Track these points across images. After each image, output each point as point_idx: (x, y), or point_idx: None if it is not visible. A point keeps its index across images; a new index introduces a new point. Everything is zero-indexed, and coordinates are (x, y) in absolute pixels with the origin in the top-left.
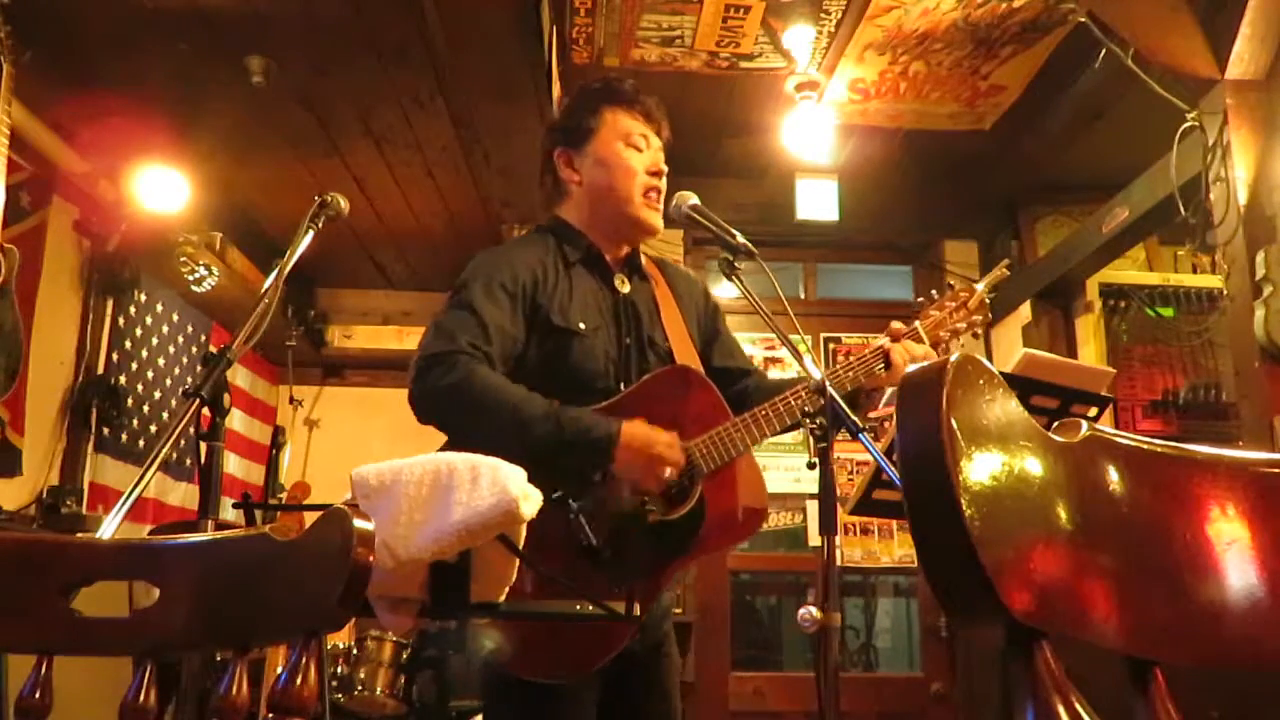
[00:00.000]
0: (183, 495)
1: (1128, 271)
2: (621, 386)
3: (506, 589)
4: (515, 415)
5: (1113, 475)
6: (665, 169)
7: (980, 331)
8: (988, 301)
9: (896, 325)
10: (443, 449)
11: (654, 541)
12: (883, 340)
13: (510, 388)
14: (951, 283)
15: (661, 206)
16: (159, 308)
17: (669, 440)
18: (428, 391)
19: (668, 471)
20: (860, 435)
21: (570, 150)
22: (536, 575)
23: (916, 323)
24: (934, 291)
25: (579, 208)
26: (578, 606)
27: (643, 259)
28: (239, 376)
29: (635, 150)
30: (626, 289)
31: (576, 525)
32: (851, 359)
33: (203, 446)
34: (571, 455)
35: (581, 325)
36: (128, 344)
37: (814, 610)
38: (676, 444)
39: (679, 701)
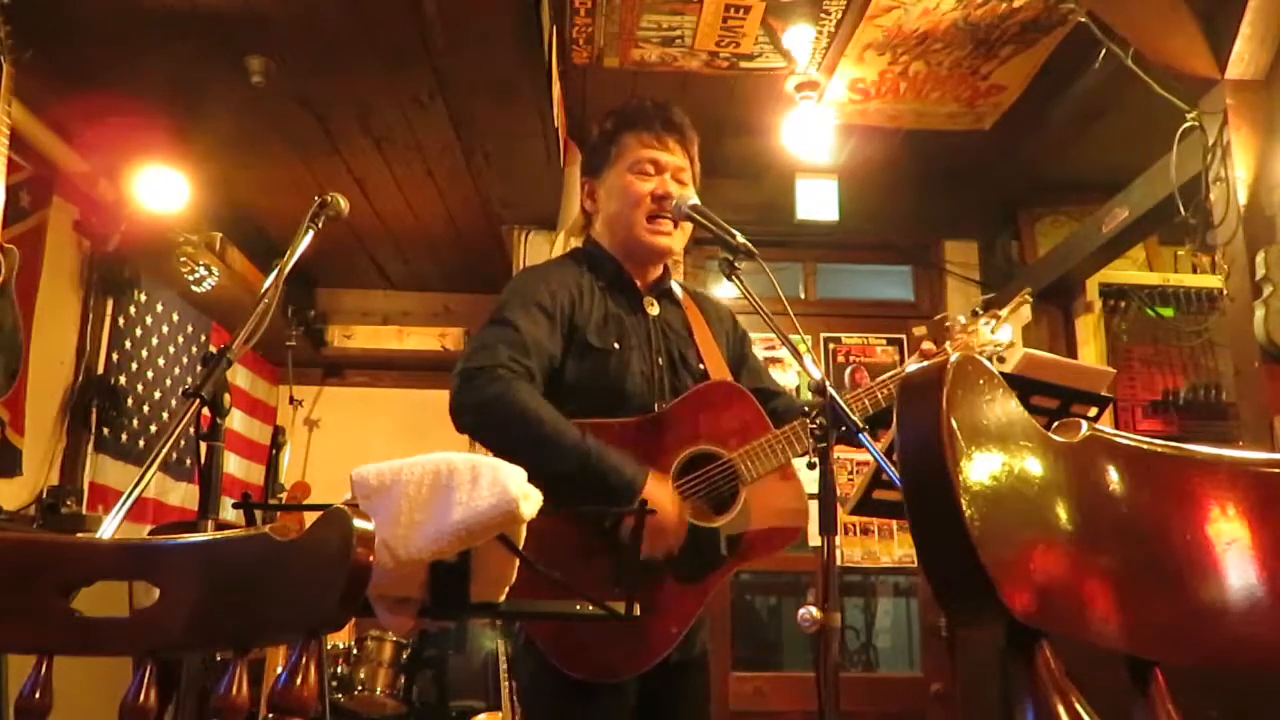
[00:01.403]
0: (183, 495)
1: (1128, 271)
2: (657, 404)
3: (506, 589)
4: (547, 440)
5: (1113, 475)
6: (672, 192)
7: (1005, 357)
8: (1010, 327)
9: (928, 346)
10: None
11: (699, 549)
12: (911, 362)
13: (548, 411)
14: (977, 309)
15: (672, 229)
16: (159, 308)
17: (677, 520)
18: (469, 404)
19: (662, 551)
20: (860, 435)
21: (591, 179)
22: (583, 573)
23: (946, 344)
24: (960, 316)
25: (603, 235)
26: (577, 606)
27: (676, 287)
28: (239, 376)
29: (642, 175)
30: (655, 311)
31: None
32: (871, 384)
33: (203, 446)
34: (591, 490)
35: (616, 344)
36: (128, 344)
37: (814, 610)
38: (685, 523)
39: (710, 710)
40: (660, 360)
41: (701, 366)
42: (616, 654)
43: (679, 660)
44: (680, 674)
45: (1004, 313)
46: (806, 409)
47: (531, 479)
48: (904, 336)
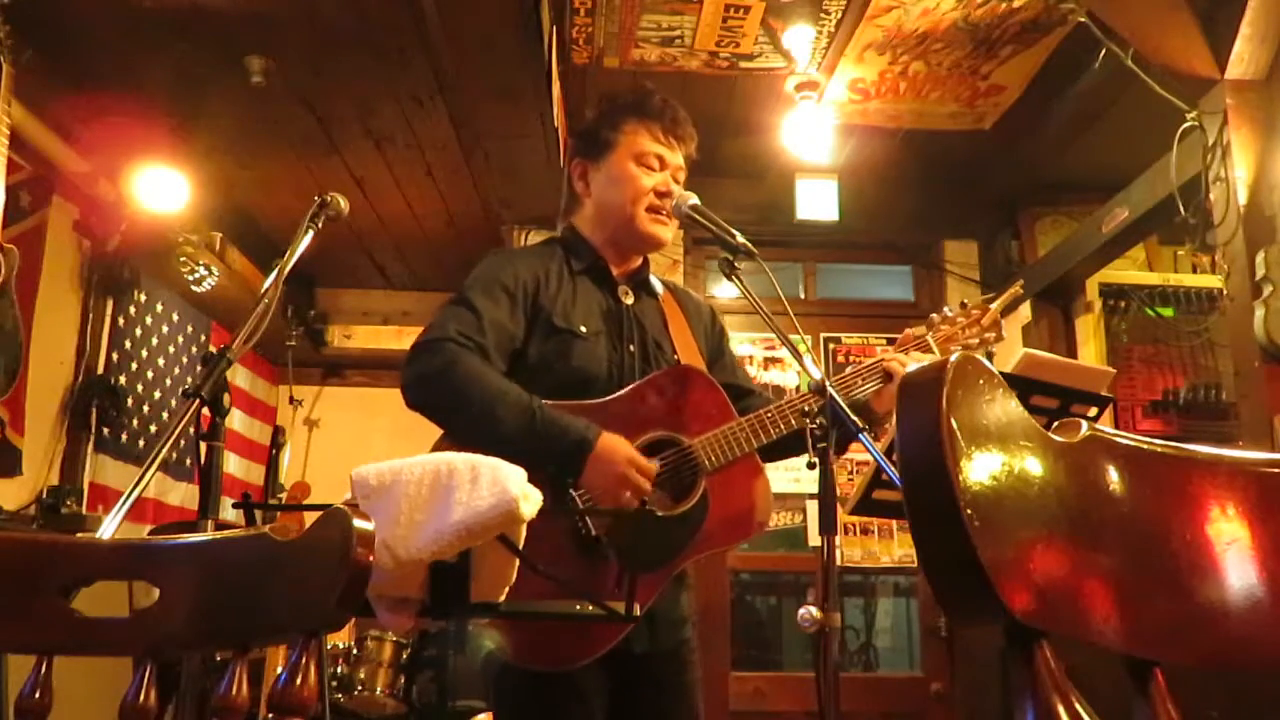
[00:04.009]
0: (183, 495)
1: (1128, 271)
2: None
3: (506, 589)
4: (492, 405)
5: (1113, 475)
6: (675, 189)
7: (994, 349)
8: (1000, 320)
9: (910, 332)
10: (436, 446)
11: (656, 537)
12: (888, 356)
13: (493, 378)
14: (965, 300)
15: (669, 220)
16: (159, 308)
17: (643, 465)
18: (414, 377)
19: (628, 495)
20: (860, 435)
21: (586, 162)
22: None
23: (929, 336)
24: (947, 308)
25: (589, 220)
26: (577, 606)
27: (655, 281)
28: (239, 376)
29: (647, 169)
30: (630, 300)
31: (578, 517)
32: (848, 374)
33: (203, 446)
34: (542, 453)
35: (583, 328)
36: (128, 344)
37: (814, 610)
38: (651, 472)
39: (700, 704)
40: (632, 348)
41: (676, 357)
42: (564, 643)
43: (645, 651)
44: (649, 665)
45: (995, 305)
46: (807, 410)
47: (480, 447)
48: None
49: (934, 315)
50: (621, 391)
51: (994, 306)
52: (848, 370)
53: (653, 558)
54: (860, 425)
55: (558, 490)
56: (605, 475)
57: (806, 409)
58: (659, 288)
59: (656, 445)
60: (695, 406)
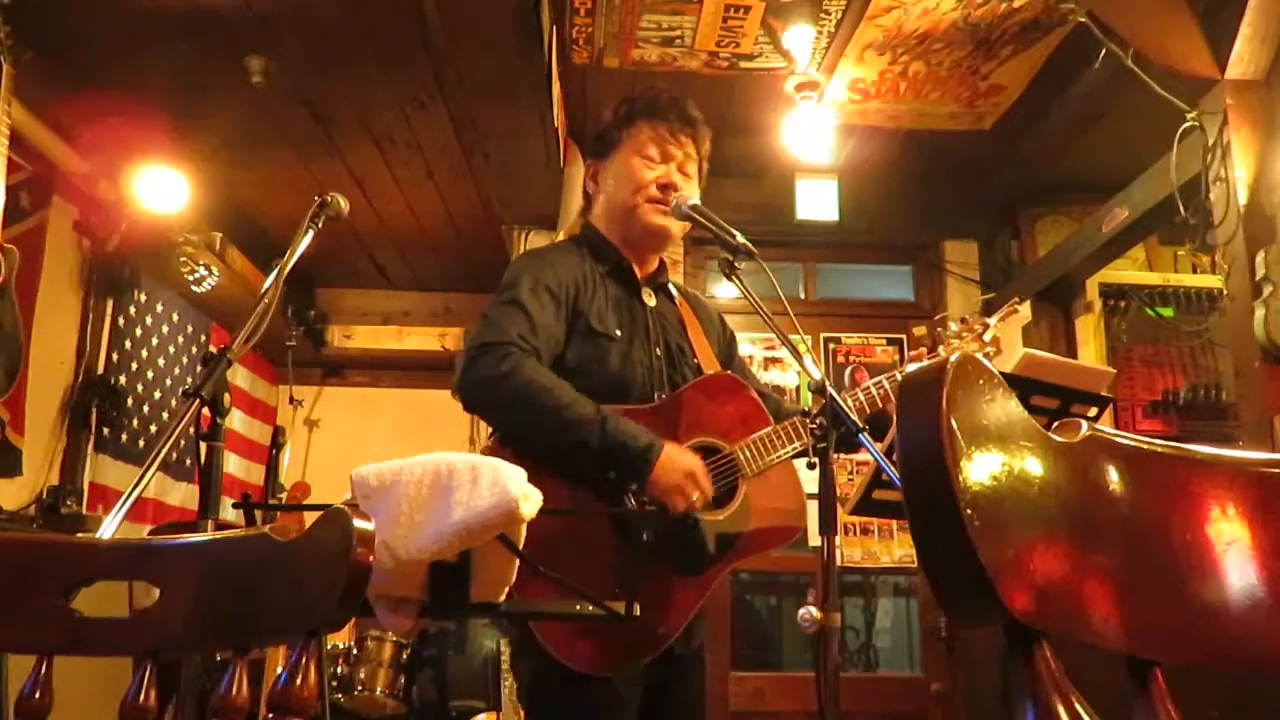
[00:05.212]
0: (183, 495)
1: (1128, 271)
2: (656, 394)
3: (506, 589)
4: (562, 415)
5: (1113, 475)
6: (677, 183)
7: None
8: (998, 335)
9: (922, 344)
10: (489, 449)
11: (698, 542)
12: (909, 364)
13: (560, 386)
14: (966, 316)
15: (673, 214)
16: (159, 308)
17: (704, 471)
18: (478, 381)
19: (696, 496)
20: (860, 435)
21: (596, 162)
22: (587, 566)
23: (940, 348)
24: (952, 323)
25: (602, 218)
26: (577, 606)
27: (670, 285)
28: (239, 376)
29: (649, 162)
30: (653, 303)
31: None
32: (867, 384)
33: (203, 446)
34: (610, 462)
35: (617, 332)
36: (128, 344)
37: (814, 610)
38: (708, 476)
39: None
40: (658, 351)
41: (696, 361)
42: (616, 647)
43: (681, 653)
44: (681, 666)
45: (993, 320)
46: (805, 410)
47: (546, 452)
48: (904, 336)
49: (940, 329)
50: (665, 397)
51: (992, 323)
52: (869, 383)
53: (696, 562)
54: (860, 425)
55: (613, 500)
56: (669, 483)
57: (806, 409)
58: (674, 291)
59: (699, 451)
60: (735, 413)
